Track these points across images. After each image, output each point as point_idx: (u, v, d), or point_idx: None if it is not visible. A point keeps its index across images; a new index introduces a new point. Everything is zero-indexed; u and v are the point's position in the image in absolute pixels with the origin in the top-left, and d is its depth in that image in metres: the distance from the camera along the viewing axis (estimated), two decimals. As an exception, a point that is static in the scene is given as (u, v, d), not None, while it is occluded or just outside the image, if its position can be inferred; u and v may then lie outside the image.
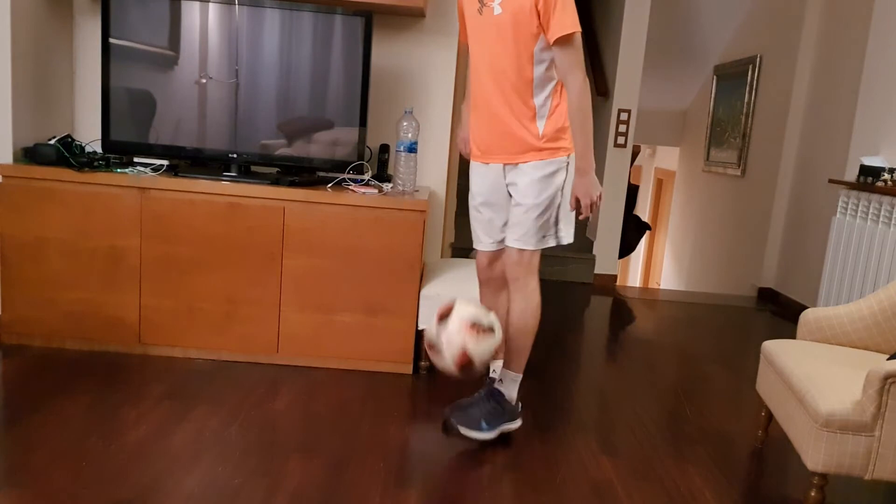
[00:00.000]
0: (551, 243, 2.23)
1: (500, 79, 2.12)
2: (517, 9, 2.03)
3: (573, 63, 2.05)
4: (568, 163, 2.17)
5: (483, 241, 2.35)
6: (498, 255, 2.34)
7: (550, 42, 2.03)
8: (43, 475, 1.85)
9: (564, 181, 2.17)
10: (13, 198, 2.66)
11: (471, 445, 2.24)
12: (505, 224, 2.28)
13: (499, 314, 2.35)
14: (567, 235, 2.24)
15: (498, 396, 2.28)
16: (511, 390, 2.30)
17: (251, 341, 2.77)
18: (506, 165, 2.20)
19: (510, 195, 2.23)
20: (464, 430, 2.20)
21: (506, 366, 2.30)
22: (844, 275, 3.68)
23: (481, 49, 2.15)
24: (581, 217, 2.16)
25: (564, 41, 2.01)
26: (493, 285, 2.40)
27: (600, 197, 2.13)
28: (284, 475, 1.95)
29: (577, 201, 2.14)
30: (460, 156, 3.04)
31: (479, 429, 2.22)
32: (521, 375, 2.31)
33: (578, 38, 2.04)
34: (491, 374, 2.36)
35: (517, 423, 2.33)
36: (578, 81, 2.05)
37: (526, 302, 2.23)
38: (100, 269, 2.71)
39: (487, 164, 2.24)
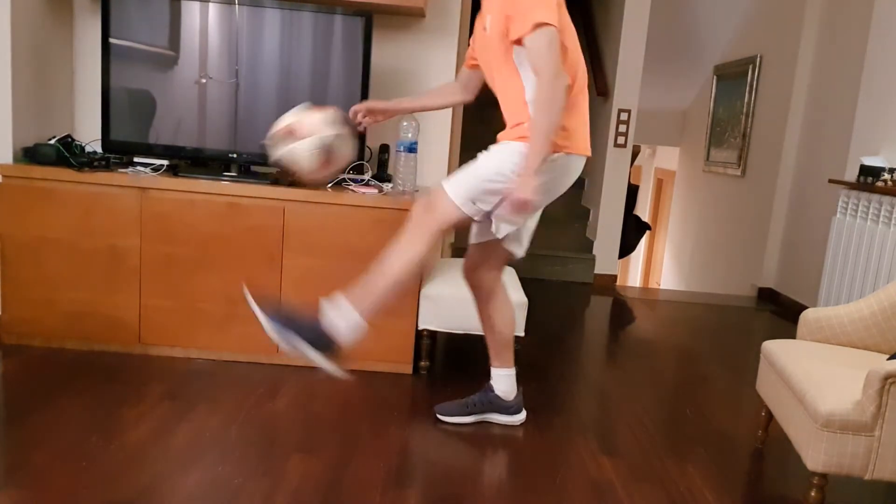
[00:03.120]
0: (475, 216, 2.05)
1: (499, 94, 2.13)
2: (496, 21, 2.01)
3: (538, 58, 1.89)
4: (554, 159, 2.03)
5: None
6: (484, 257, 2.29)
7: (512, 40, 1.95)
8: (43, 475, 1.85)
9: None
10: (13, 198, 2.66)
11: (471, 445, 2.24)
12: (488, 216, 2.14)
13: (492, 326, 2.37)
14: (502, 230, 2.09)
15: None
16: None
17: (251, 341, 2.77)
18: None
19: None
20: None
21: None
22: (844, 275, 3.68)
23: (486, 67, 2.17)
24: (499, 211, 2.03)
25: (529, 38, 1.90)
26: (479, 295, 2.35)
27: (525, 206, 1.88)
28: (284, 475, 1.95)
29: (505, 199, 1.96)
30: (460, 156, 3.04)
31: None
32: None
33: (547, 34, 1.88)
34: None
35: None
36: (545, 77, 1.88)
37: (399, 252, 2.01)
38: (100, 270, 2.71)
39: None
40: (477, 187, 2.03)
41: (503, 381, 2.40)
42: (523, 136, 2.03)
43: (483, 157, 2.08)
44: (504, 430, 2.38)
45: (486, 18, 2.07)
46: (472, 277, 2.33)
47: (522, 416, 2.42)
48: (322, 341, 1.93)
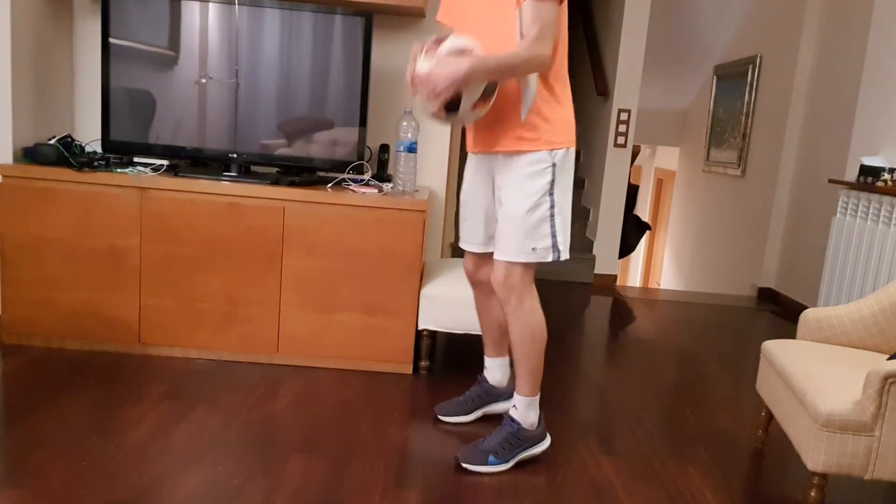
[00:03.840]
0: (549, 256, 2.01)
1: None
2: None
3: (535, 21, 1.82)
4: (554, 163, 1.98)
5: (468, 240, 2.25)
6: (483, 257, 2.26)
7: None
8: (43, 475, 1.85)
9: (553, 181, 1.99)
10: (13, 198, 2.66)
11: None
12: (486, 225, 2.18)
13: (491, 317, 2.35)
14: (423, 114, 1.97)
15: (511, 426, 2.12)
16: (529, 415, 2.13)
17: (251, 341, 2.77)
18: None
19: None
20: (468, 466, 2.06)
21: (517, 391, 2.13)
22: (844, 275, 3.68)
23: (471, 29, 2.06)
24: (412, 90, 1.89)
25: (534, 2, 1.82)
26: (483, 288, 2.32)
27: (433, 85, 1.81)
28: (284, 475, 1.95)
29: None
30: (460, 156, 3.03)
31: (486, 463, 2.07)
32: (537, 397, 2.14)
33: (552, 7, 1.84)
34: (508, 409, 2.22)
35: (543, 446, 2.18)
36: (534, 38, 1.82)
37: (524, 325, 2.04)
38: (100, 269, 2.71)
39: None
40: (526, 235, 1.97)
41: (498, 370, 2.40)
42: (523, 137, 1.97)
43: (506, 197, 2.00)
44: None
45: None
46: (473, 274, 2.32)
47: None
48: (538, 436, 2.16)
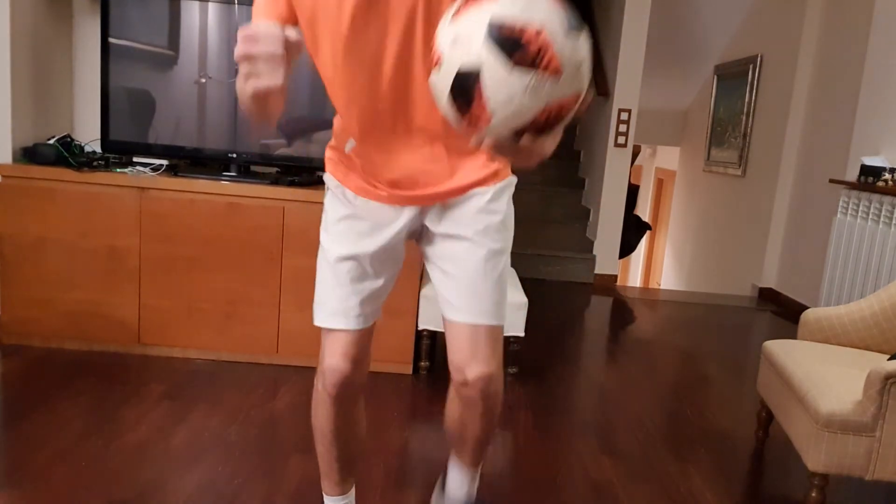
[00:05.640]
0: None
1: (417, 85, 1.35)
2: None
3: None
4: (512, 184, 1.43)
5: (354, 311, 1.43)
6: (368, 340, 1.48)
7: None
8: (43, 475, 1.85)
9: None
10: (12, 198, 2.65)
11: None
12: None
13: (358, 436, 1.59)
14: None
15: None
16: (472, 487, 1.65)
17: (251, 341, 2.77)
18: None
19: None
20: None
21: (472, 464, 1.61)
22: (845, 275, 3.68)
23: (391, 31, 1.29)
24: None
25: None
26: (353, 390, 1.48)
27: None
28: (284, 475, 1.95)
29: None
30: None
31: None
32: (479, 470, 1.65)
33: None
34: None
35: None
36: None
37: (495, 411, 1.45)
38: (99, 270, 2.70)
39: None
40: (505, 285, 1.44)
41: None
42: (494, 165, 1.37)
43: (486, 252, 1.36)
44: (504, 430, 2.38)
45: None
46: (352, 371, 1.42)
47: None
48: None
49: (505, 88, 0.94)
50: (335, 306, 1.43)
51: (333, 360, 1.42)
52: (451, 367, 1.40)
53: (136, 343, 2.76)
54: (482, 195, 1.37)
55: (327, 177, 1.44)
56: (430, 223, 1.41)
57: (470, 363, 1.36)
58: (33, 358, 2.65)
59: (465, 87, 0.95)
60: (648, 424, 2.55)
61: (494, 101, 0.94)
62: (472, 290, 1.38)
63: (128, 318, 2.74)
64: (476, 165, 1.37)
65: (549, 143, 1.07)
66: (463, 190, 1.37)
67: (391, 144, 1.32)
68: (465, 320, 1.38)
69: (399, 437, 2.26)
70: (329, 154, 1.45)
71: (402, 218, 1.40)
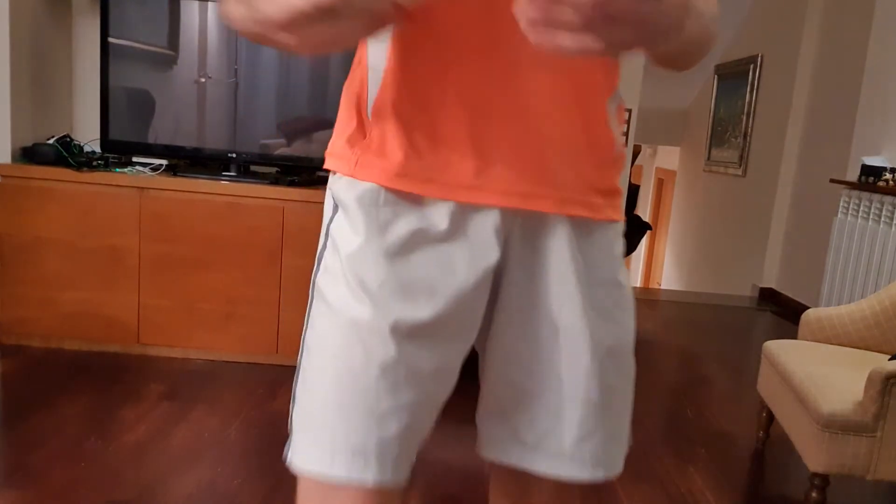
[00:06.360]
0: None
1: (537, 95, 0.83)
2: None
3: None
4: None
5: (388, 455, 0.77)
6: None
7: None
8: (42, 475, 1.84)
9: None
10: (12, 198, 2.65)
11: (471, 445, 2.23)
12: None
13: None
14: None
15: None
16: None
17: (251, 341, 2.76)
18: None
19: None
20: None
21: None
22: (846, 275, 3.67)
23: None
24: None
25: None
26: None
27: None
28: (284, 475, 1.95)
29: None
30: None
31: None
32: None
33: None
34: None
35: None
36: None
37: None
38: (99, 269, 2.70)
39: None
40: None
41: None
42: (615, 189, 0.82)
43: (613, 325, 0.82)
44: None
45: None
46: None
47: None
48: None
49: None
50: (352, 436, 0.76)
51: None
52: None
53: (135, 343, 2.76)
54: (617, 230, 0.79)
55: (338, 184, 0.81)
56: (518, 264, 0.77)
57: None
58: (33, 358, 2.65)
59: None
60: (649, 425, 2.54)
61: None
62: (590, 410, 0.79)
63: (127, 318, 2.74)
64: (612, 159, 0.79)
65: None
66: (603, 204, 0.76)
67: (511, 75, 0.71)
68: (568, 474, 0.78)
69: (399, 437, 2.25)
70: (339, 147, 0.83)
71: (490, 240, 0.75)
